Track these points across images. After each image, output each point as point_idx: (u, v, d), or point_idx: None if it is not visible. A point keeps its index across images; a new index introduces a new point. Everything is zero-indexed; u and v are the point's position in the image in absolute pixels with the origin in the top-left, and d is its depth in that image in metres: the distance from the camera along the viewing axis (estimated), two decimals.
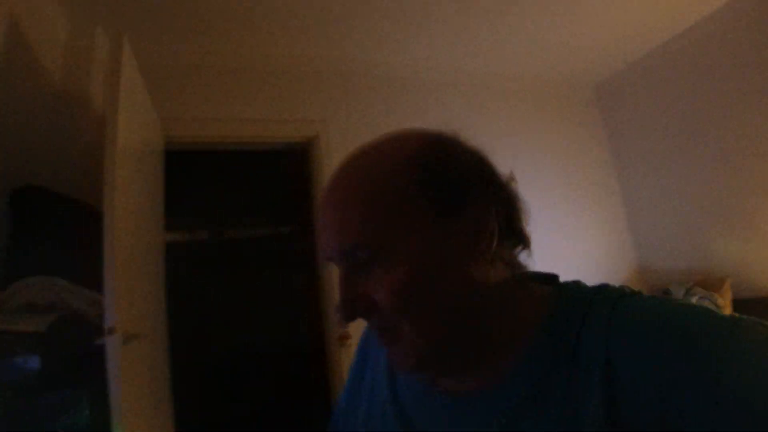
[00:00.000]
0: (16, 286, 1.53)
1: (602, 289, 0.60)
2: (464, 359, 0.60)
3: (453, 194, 0.56)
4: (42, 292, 1.51)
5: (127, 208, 1.61)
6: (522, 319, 0.60)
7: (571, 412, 0.52)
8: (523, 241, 0.62)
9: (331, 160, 2.63)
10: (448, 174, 0.57)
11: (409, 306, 0.55)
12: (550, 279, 0.66)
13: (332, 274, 2.67)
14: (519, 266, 0.62)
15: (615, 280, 3.28)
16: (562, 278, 0.66)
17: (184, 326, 2.36)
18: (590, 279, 0.62)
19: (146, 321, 1.78)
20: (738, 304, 2.76)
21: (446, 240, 0.56)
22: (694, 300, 2.68)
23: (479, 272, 0.57)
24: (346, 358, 2.36)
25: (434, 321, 0.56)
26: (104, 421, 1.40)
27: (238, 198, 2.92)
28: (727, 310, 2.65)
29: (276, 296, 2.94)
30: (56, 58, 2.21)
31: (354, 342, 2.31)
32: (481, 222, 0.57)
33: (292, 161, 2.79)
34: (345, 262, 0.58)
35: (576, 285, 0.63)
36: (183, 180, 2.54)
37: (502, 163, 0.64)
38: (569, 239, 3.26)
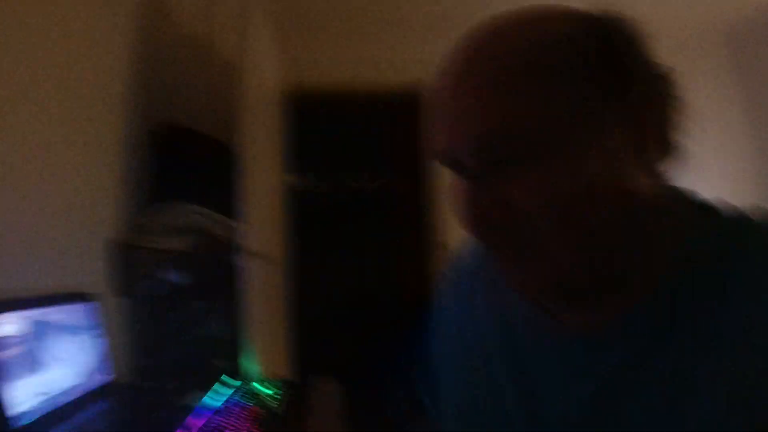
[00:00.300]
0: (160, 210, 1.72)
1: (765, 215, 0.50)
2: (604, 284, 0.51)
3: (618, 83, 0.46)
4: (182, 216, 1.69)
5: (256, 147, 1.74)
6: (664, 241, 0.50)
7: (717, 353, 0.44)
8: (676, 150, 0.51)
9: None
10: (613, 59, 0.46)
11: (563, 214, 0.46)
12: (694, 198, 0.56)
13: (442, 220, 2.74)
14: (667, 180, 0.53)
15: None
16: None
17: (301, 265, 2.55)
18: None
19: (273, 248, 1.95)
20: None
21: (608, 138, 0.46)
22: None
23: (634, 180, 0.47)
24: None
25: (586, 234, 0.47)
26: (234, 332, 1.57)
27: (352, 147, 3.02)
28: None
29: (383, 245, 3.04)
30: (186, 5, 2.36)
31: None
32: (645, 120, 0.47)
33: (410, 109, 2.84)
34: (479, 159, 0.47)
35: (730, 208, 0.53)
36: (301, 127, 2.68)
37: None
38: (696, 188, 3.09)
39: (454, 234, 2.58)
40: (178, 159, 1.88)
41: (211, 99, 2.20)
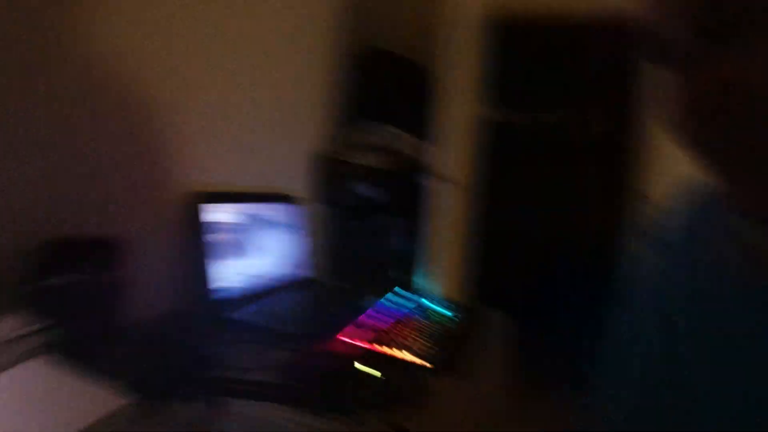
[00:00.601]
0: (359, 128, 1.84)
1: None
2: None
3: None
4: (379, 135, 1.79)
5: (454, 73, 1.75)
6: None
7: None
8: None
9: None
10: None
11: None
12: None
13: (645, 167, 2.49)
14: None
15: None
16: None
17: (490, 195, 2.55)
18: None
19: (461, 174, 1.99)
20: None
21: None
22: None
23: None
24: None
25: None
26: (415, 248, 1.66)
27: (558, 81, 2.84)
28: None
29: (579, 187, 2.88)
30: None
31: None
32: None
33: (623, 43, 2.56)
34: (692, 29, 0.37)
35: None
36: (505, 57, 2.58)
37: None
38: None
39: (656, 182, 2.32)
40: (379, 80, 1.97)
41: (413, 23, 2.23)
